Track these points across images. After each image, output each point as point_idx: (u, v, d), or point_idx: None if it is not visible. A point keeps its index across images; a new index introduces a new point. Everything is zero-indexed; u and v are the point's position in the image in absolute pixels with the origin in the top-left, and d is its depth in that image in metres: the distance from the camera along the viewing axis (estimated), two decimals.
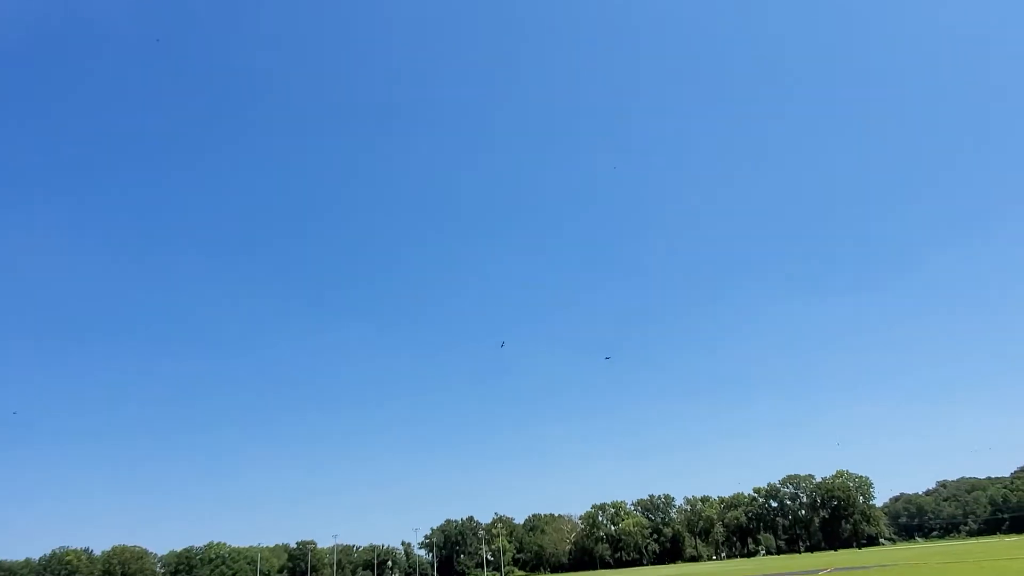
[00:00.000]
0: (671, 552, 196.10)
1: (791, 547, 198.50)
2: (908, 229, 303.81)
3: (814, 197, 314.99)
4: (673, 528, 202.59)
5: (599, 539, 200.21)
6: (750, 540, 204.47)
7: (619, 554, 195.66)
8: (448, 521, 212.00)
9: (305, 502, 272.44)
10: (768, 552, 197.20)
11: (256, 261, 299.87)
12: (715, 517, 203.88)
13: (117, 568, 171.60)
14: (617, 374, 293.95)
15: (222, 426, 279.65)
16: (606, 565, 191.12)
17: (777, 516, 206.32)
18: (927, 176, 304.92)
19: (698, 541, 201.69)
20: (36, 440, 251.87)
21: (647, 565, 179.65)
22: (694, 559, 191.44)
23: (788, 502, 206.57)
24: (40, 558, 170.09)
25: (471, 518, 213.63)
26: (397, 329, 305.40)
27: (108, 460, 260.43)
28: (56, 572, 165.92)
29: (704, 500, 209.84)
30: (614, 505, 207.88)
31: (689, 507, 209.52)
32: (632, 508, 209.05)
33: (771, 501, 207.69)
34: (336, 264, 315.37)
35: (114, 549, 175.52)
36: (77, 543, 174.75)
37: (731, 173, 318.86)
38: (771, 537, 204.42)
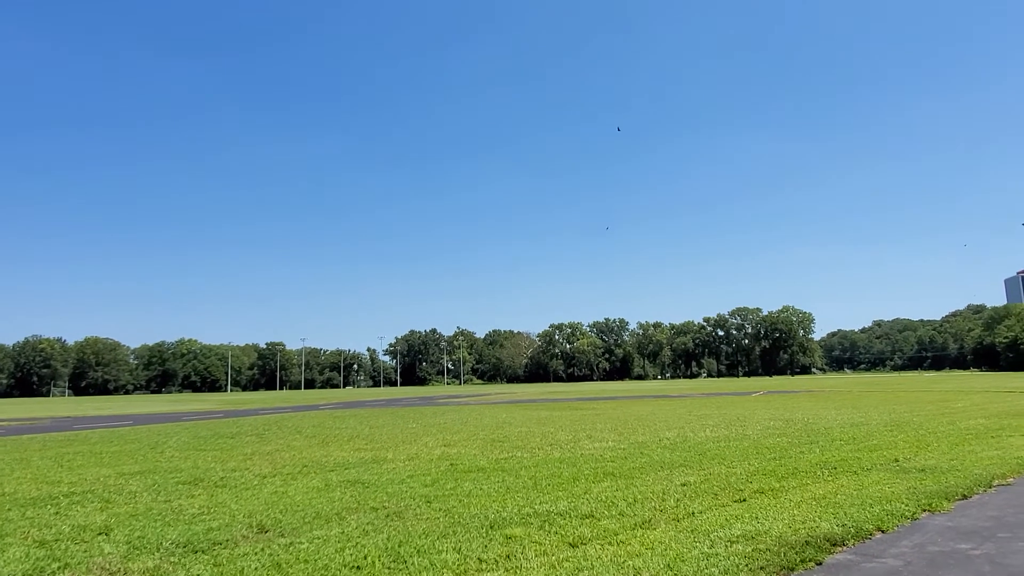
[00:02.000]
0: (620, 371, 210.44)
1: (731, 372, 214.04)
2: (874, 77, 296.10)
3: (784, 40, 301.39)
4: (624, 349, 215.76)
5: (554, 355, 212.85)
6: (694, 364, 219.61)
7: (572, 370, 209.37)
8: (412, 331, 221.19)
9: (275, 306, 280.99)
10: (709, 375, 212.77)
11: (243, 69, 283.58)
12: (664, 341, 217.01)
13: (91, 357, 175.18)
14: (580, 201, 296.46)
15: (194, 224, 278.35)
16: (559, 379, 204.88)
17: (722, 344, 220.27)
18: (903, 23, 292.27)
19: (646, 362, 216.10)
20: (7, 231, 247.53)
21: (597, 381, 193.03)
22: (641, 378, 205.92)
23: (734, 332, 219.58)
24: (13, 344, 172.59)
25: (434, 330, 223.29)
26: (373, 144, 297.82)
27: (80, 251, 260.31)
28: (31, 358, 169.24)
29: (656, 326, 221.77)
30: (571, 325, 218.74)
31: (641, 331, 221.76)
32: (588, 329, 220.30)
33: (718, 330, 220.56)
34: (320, 78, 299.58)
35: (87, 340, 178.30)
36: (49, 334, 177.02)
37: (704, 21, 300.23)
38: (713, 362, 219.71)
